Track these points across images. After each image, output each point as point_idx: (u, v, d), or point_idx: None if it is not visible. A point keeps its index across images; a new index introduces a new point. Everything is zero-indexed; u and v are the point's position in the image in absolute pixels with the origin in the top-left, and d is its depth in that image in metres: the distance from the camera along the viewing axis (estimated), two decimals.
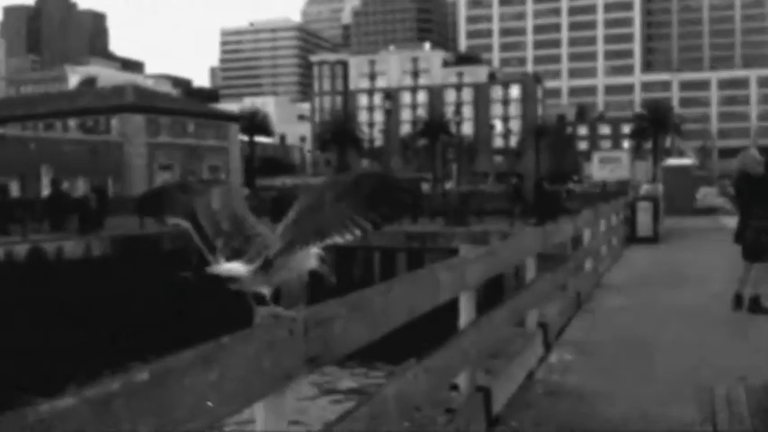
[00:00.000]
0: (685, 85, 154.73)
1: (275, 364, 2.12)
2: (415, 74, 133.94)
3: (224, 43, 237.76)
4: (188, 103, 78.96)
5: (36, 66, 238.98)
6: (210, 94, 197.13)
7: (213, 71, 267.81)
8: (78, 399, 1.45)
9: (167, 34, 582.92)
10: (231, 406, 1.94)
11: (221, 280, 2.15)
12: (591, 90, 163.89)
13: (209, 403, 1.81)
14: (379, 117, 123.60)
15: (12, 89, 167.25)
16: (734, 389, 5.32)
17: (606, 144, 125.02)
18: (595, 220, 11.57)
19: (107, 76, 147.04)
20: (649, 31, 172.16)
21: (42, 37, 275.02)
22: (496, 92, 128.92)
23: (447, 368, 3.86)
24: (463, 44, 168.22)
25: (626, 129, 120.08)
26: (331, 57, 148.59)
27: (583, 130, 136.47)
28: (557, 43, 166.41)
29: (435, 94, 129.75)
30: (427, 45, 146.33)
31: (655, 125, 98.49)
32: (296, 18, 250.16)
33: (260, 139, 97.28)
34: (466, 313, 4.46)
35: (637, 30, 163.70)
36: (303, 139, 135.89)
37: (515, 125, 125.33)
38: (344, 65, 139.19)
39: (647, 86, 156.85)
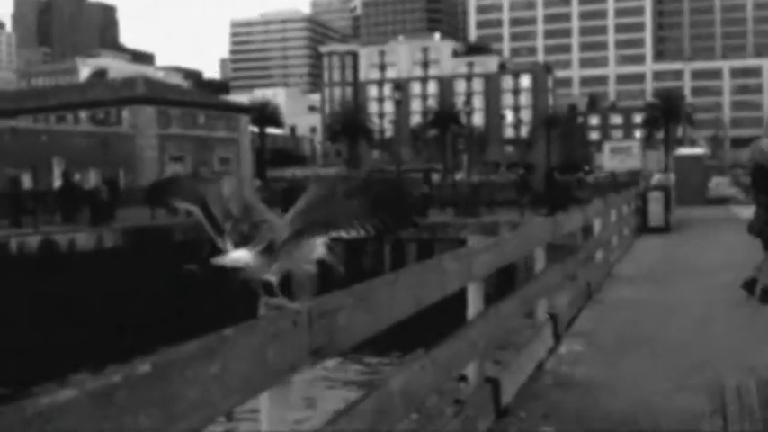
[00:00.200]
0: (697, 75, 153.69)
1: (279, 355, 2.11)
2: (425, 64, 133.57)
3: (234, 35, 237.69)
4: (198, 95, 79.06)
5: (47, 58, 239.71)
6: (221, 86, 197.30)
7: (223, 63, 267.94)
8: (79, 391, 1.44)
9: (177, 26, 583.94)
10: (235, 398, 1.94)
11: (227, 270, 2.15)
12: (602, 80, 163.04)
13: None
14: (389, 108, 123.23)
15: (23, 82, 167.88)
16: (744, 381, 5.29)
17: (618, 134, 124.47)
18: (606, 211, 11.51)
19: (118, 68, 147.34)
20: (661, 20, 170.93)
21: (53, 29, 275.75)
22: (507, 82, 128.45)
23: (455, 359, 3.84)
24: (473, 34, 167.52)
25: (637, 118, 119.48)
26: (341, 47, 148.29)
27: (594, 120, 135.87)
28: (567, 33, 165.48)
29: (445, 84, 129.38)
30: (437, 35, 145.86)
31: (666, 115, 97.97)
32: (305, 9, 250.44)
33: (270, 130, 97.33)
34: (474, 304, 4.45)
35: (648, 19, 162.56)
36: (313, 130, 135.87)
37: (526, 115, 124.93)
38: (354, 55, 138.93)
39: (658, 76, 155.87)
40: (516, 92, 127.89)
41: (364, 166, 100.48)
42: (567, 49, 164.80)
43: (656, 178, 26.04)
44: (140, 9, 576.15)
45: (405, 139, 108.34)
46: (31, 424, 1.32)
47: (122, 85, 66.43)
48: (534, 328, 6.32)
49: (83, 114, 61.71)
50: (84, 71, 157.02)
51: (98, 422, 1.47)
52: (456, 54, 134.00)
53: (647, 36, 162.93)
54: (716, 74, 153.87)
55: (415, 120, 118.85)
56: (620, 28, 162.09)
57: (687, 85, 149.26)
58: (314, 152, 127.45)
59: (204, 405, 1.80)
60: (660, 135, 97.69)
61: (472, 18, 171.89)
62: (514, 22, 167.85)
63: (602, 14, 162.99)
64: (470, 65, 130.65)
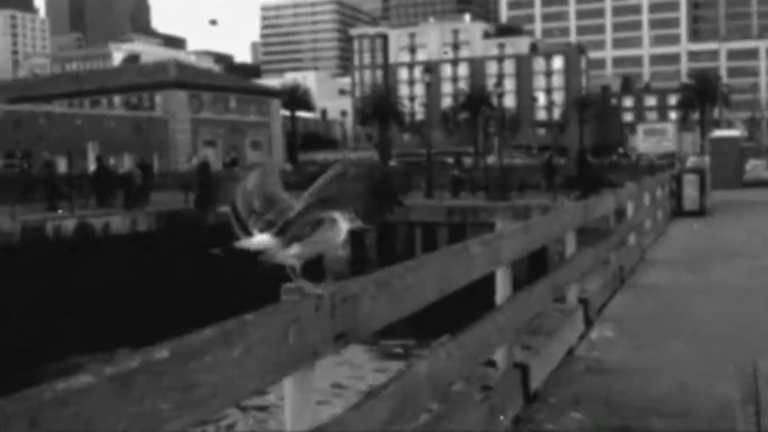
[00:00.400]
0: (733, 54, 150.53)
1: (301, 340, 2.10)
2: (456, 46, 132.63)
3: (264, 18, 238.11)
4: (230, 79, 79.45)
5: (80, 43, 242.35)
6: (252, 70, 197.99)
7: (254, 46, 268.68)
8: (96, 376, 1.43)
9: (208, 10, 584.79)
10: (256, 383, 1.93)
11: (251, 254, 2.16)
12: (636, 60, 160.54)
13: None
14: (419, 90, 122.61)
15: (57, 67, 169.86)
16: None
17: (652, 115, 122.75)
18: (639, 194, 11.35)
19: (150, 52, 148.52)
20: None
21: (86, 14, 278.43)
22: (539, 63, 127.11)
23: (482, 345, 3.81)
24: (504, 15, 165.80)
25: (672, 100, 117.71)
26: (371, 30, 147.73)
27: (628, 102, 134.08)
28: (600, 13, 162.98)
29: (476, 66, 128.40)
30: (467, 17, 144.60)
31: (702, 96, 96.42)
32: None
33: (301, 114, 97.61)
34: (502, 289, 4.40)
35: None
36: (344, 113, 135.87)
37: (558, 97, 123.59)
38: (384, 38, 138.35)
39: (693, 56, 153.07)
40: (548, 73, 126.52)
41: (395, 149, 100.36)
42: (600, 29, 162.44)
43: (692, 161, 25.65)
44: None
45: (435, 122, 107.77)
46: (48, 408, 1.31)
47: (155, 69, 66.98)
48: (565, 314, 6.25)
49: (116, 99, 62.36)
50: (118, 56, 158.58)
51: (116, 407, 1.46)
52: (487, 35, 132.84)
53: (682, 15, 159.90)
54: (752, 53, 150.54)
55: (446, 102, 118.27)
56: (654, 7, 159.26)
57: (723, 65, 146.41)
58: (345, 136, 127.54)
59: (225, 390, 1.79)
60: (695, 116, 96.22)
61: None
62: (546, 2, 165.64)
63: None
64: (501, 46, 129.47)
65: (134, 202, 24.88)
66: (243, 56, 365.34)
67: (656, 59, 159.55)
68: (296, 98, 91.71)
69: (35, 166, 39.80)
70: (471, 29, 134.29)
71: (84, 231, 21.47)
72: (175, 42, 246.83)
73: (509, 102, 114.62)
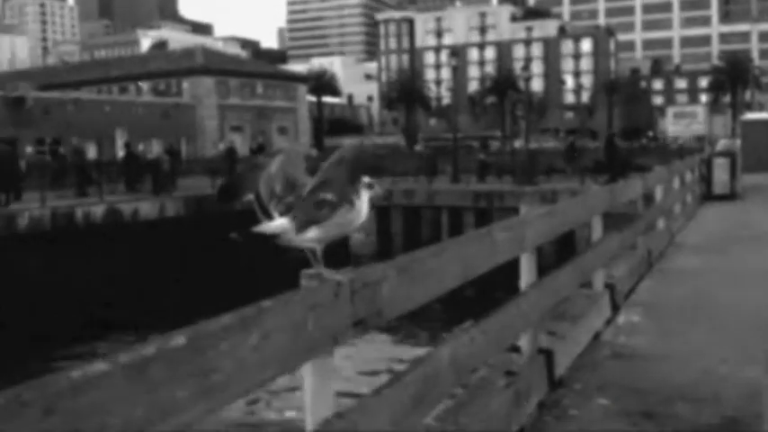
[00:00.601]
0: (765, 36, 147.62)
1: (320, 326, 2.08)
2: (483, 30, 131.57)
3: (290, 3, 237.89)
4: (256, 65, 79.60)
5: (108, 30, 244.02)
6: (278, 55, 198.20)
7: (281, 32, 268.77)
8: (112, 364, 1.43)
9: None
10: (274, 369, 1.92)
11: (268, 238, 2.16)
12: (666, 42, 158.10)
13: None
14: (446, 74, 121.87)
15: (86, 54, 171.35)
16: None
17: (682, 98, 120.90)
18: (669, 178, 11.21)
19: (178, 39, 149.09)
20: None
21: (114, 2, 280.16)
22: (567, 46, 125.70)
23: (506, 330, 3.78)
24: None
25: (703, 82, 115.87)
26: (397, 14, 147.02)
27: (658, 85, 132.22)
28: None
29: (504, 49, 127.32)
30: (494, 0, 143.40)
31: (733, 78, 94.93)
32: None
33: (328, 99, 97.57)
34: (526, 274, 4.36)
35: None
36: (370, 98, 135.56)
37: (587, 80, 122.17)
38: (410, 22, 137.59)
39: (724, 38, 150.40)
40: (577, 56, 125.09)
41: (421, 133, 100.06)
42: (629, 11, 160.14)
43: (722, 144, 25.28)
44: None
45: (462, 106, 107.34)
46: (63, 397, 1.31)
47: (182, 56, 67.29)
48: (591, 299, 6.19)
49: (145, 85, 62.80)
50: (145, 42, 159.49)
51: (132, 395, 1.46)
52: (514, 18, 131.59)
53: None
54: None
55: (473, 86, 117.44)
56: None
57: (755, 47, 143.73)
58: (371, 121, 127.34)
59: (242, 377, 1.78)
60: (727, 99, 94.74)
61: None
62: None
63: None
64: (529, 29, 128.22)
65: (162, 188, 25.09)
66: (269, 41, 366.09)
67: (686, 41, 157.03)
68: (322, 83, 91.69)
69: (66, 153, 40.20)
70: (498, 12, 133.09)
71: (114, 217, 21.71)
72: (202, 28, 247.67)
73: (537, 85, 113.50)
